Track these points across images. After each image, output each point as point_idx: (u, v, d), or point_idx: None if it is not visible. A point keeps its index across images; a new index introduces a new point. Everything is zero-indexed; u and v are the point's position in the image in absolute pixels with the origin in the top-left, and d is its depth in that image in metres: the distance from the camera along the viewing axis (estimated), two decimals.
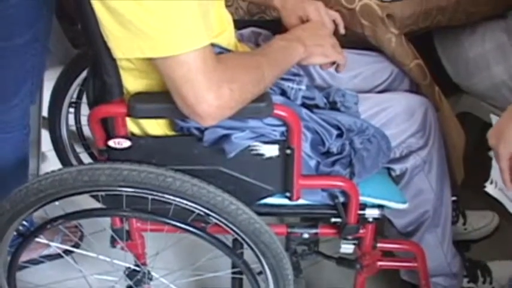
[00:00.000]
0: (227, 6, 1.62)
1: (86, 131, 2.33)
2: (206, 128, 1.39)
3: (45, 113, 2.34)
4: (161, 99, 1.33)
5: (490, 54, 1.99)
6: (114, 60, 1.34)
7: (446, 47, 2.08)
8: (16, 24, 1.61)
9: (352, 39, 1.74)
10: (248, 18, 2.03)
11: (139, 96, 1.38)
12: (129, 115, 1.37)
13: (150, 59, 1.28)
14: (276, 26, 1.74)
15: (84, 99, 2.26)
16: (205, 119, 1.26)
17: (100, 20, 1.27)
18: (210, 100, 1.23)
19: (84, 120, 2.30)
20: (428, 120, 1.69)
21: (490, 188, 1.46)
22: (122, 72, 1.38)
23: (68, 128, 2.32)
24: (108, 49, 1.31)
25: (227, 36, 1.54)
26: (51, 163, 2.52)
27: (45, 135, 2.41)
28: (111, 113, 1.40)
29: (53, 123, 2.29)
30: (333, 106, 1.58)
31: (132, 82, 1.39)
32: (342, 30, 1.67)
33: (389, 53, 1.73)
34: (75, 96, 2.28)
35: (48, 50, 1.80)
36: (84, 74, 2.17)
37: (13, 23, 1.60)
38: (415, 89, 1.81)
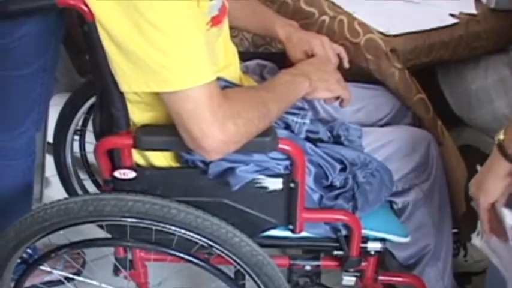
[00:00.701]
0: (232, 36, 1.64)
1: (90, 158, 2.34)
2: (211, 161, 1.40)
3: (49, 138, 2.35)
4: (167, 132, 1.34)
5: (492, 88, 2.00)
6: (121, 93, 1.35)
7: (449, 80, 2.09)
8: (23, 55, 1.62)
9: (355, 72, 1.75)
10: (253, 49, 2.05)
11: (145, 128, 1.39)
12: (135, 147, 1.39)
13: (156, 93, 1.30)
14: (281, 59, 1.76)
15: (89, 127, 2.27)
16: (211, 154, 1.28)
17: (108, 53, 1.29)
18: (215, 135, 1.25)
19: (88, 147, 2.32)
20: (430, 155, 1.70)
21: (476, 240, 1.45)
22: (128, 104, 1.39)
23: (73, 155, 2.33)
24: (115, 82, 1.33)
25: (233, 69, 1.56)
26: (55, 188, 2.53)
27: (49, 160, 2.42)
28: (118, 145, 1.41)
29: (57, 149, 2.30)
30: (336, 140, 1.59)
31: (139, 114, 1.41)
32: (346, 65, 1.69)
33: (393, 87, 1.74)
34: (80, 123, 2.29)
35: (55, 79, 1.82)
36: (89, 102, 2.19)
37: (20, 54, 1.61)
38: (417, 122, 1.82)
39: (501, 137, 1.27)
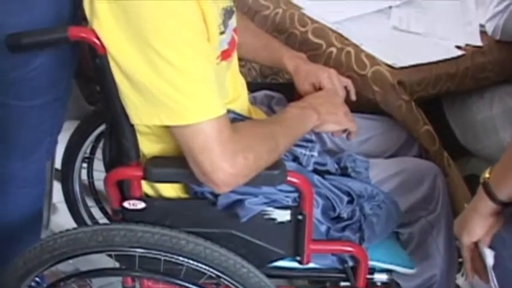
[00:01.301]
0: (240, 66, 1.65)
1: (98, 185, 2.35)
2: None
3: (57, 165, 2.36)
4: (177, 164, 1.35)
5: (498, 118, 2.02)
6: (132, 125, 1.37)
7: (455, 111, 2.11)
8: (37, 86, 1.63)
9: (362, 104, 1.76)
10: (261, 79, 2.06)
11: (155, 160, 1.40)
12: (145, 178, 1.40)
13: (167, 126, 1.31)
14: (289, 90, 1.77)
15: (97, 154, 2.29)
16: (220, 187, 1.29)
17: (119, 86, 1.31)
18: (225, 169, 1.26)
19: (96, 175, 2.33)
20: (437, 186, 1.70)
21: (460, 280, 1.45)
22: (138, 135, 1.40)
23: (81, 182, 2.34)
24: (126, 114, 1.34)
25: (241, 101, 1.57)
26: (62, 215, 2.53)
27: (56, 186, 2.43)
28: (128, 176, 1.42)
29: (66, 177, 2.31)
30: (344, 172, 1.60)
31: (148, 146, 1.42)
32: (353, 97, 1.71)
33: (400, 118, 1.76)
34: (88, 151, 2.30)
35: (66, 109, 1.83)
36: (98, 130, 2.21)
37: (34, 85, 1.62)
38: (424, 154, 1.83)
39: (486, 175, 1.27)
